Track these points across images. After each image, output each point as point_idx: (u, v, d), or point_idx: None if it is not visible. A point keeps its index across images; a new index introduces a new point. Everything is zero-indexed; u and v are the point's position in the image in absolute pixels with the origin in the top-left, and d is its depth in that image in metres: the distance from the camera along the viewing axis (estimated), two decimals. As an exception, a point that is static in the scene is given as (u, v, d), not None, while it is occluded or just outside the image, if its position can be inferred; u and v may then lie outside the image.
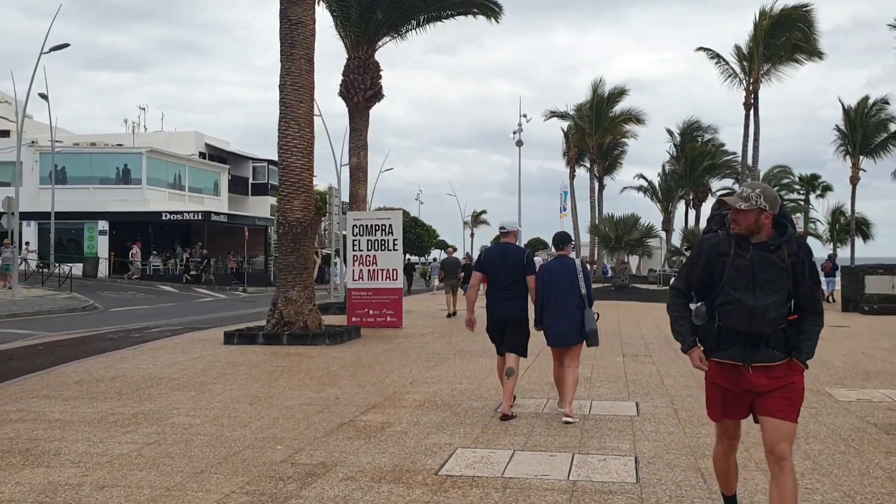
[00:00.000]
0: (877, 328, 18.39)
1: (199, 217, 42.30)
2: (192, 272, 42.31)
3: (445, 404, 8.31)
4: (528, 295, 7.78)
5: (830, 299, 29.08)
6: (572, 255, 8.04)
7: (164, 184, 46.01)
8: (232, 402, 8.51)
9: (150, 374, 10.59)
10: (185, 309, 27.67)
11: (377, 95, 23.06)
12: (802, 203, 64.64)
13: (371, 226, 17.82)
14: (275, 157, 52.67)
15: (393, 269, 17.74)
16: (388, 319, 17.67)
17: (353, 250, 17.92)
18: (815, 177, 66.12)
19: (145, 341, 15.22)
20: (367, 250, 17.82)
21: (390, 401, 8.54)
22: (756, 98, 32.87)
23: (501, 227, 8.16)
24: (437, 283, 26.99)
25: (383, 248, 17.74)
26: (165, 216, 42.89)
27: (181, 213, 43.03)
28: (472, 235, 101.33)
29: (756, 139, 32.84)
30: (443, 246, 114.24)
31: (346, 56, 23.31)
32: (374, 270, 17.77)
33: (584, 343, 7.62)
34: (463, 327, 17.80)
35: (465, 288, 21.95)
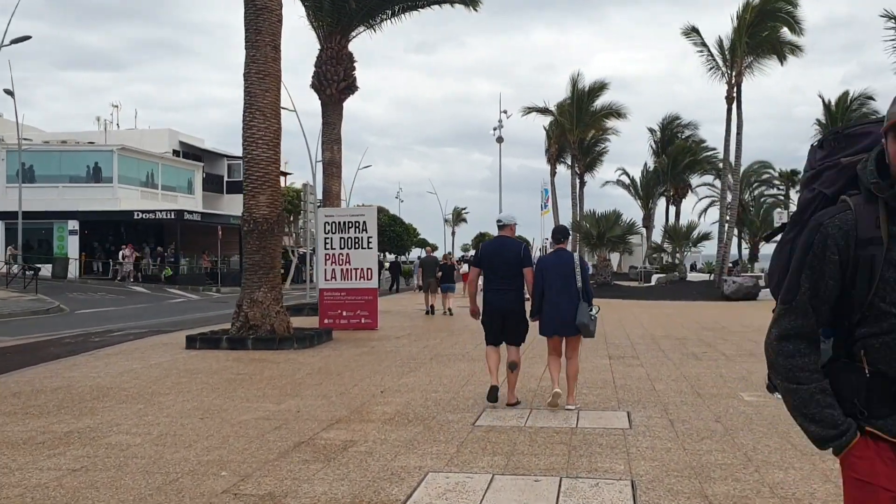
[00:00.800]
0: None
1: (173, 216, 41.17)
2: (148, 273, 41.14)
3: (418, 417, 7.51)
4: (525, 287, 7.95)
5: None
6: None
7: (136, 182, 44.81)
8: (181, 416, 7.66)
9: (98, 383, 9.71)
10: (154, 310, 26.69)
11: (351, 87, 22.21)
12: (782, 198, 64.53)
13: (344, 223, 16.99)
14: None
15: (367, 269, 16.91)
16: (363, 321, 16.85)
17: (326, 249, 17.07)
18: (794, 172, 65.89)
19: (104, 346, 14.31)
20: (340, 249, 16.97)
21: (357, 414, 7.73)
22: (739, 91, 32.32)
23: (499, 221, 8.24)
24: (417, 281, 26.47)
25: (357, 246, 16.91)
26: (137, 215, 41.70)
27: (153, 212, 41.87)
28: (453, 234, 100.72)
29: (739, 132, 32.28)
30: (423, 244, 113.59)
31: (319, 47, 22.44)
32: (347, 270, 16.94)
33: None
34: (440, 329, 17.09)
35: (442, 288, 22.13)
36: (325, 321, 16.90)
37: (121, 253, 40.99)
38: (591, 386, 9.23)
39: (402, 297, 32.74)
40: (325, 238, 17.05)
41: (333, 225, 17.01)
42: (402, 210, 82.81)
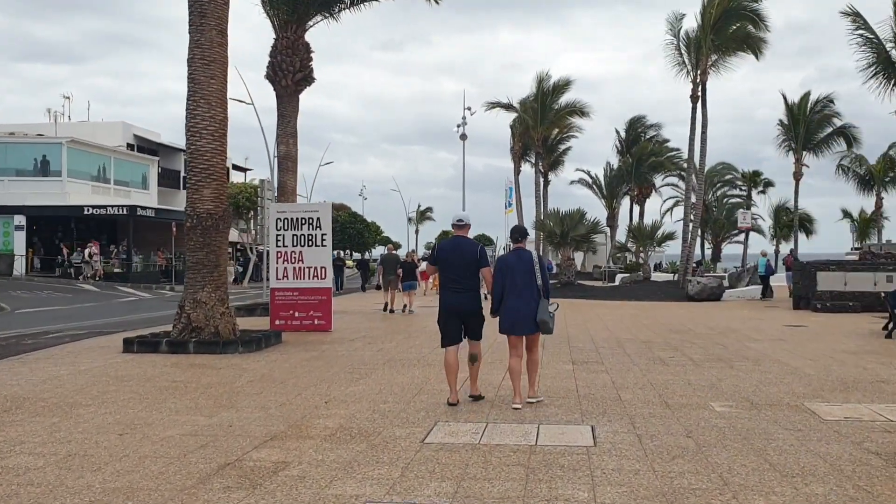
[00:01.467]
0: (835, 328, 17.46)
1: (125, 211, 39.84)
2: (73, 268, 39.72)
3: (362, 432, 6.79)
4: (481, 286, 8.17)
5: (771, 295, 28.43)
6: (529, 248, 8.37)
7: (86, 176, 43.34)
8: (98, 431, 6.86)
9: (14, 392, 8.84)
10: (102, 310, 25.59)
11: (307, 79, 21.36)
12: (745, 199, 64.82)
13: (297, 219, 16.17)
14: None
15: (321, 267, 16.11)
16: (316, 322, 16.06)
17: (277, 246, 16.25)
18: (756, 173, 66.37)
19: (36, 349, 13.35)
20: (293, 246, 16.16)
21: (295, 429, 6.99)
22: (704, 90, 32.02)
23: (459, 220, 8.20)
24: (378, 280, 26.36)
25: (310, 243, 16.11)
26: (88, 210, 40.28)
27: (105, 207, 40.48)
28: (416, 232, 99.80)
29: (704, 131, 31.98)
30: (386, 242, 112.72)
31: (274, 37, 21.55)
32: (300, 268, 16.13)
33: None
34: (397, 330, 16.37)
35: (404, 286, 21.92)
36: (277, 322, 16.08)
37: (87, 251, 39.46)
38: (552, 395, 8.59)
39: (360, 297, 31.92)
40: (277, 235, 16.23)
41: (286, 221, 16.19)
42: (365, 208, 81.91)
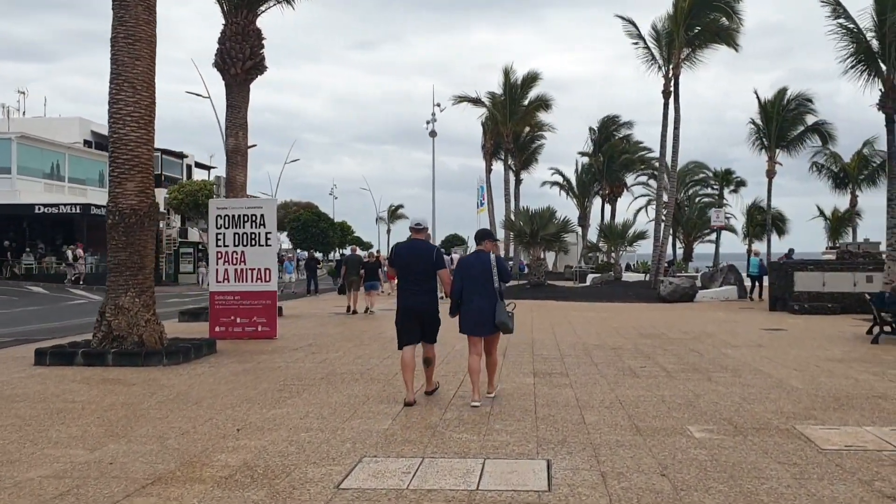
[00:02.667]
0: (816, 331, 16.48)
1: (78, 210, 38.12)
2: (50, 272, 38.14)
3: (268, 473, 5.56)
4: (438, 288, 8.26)
5: (758, 297, 27.51)
6: (500, 250, 8.44)
7: (38, 174, 41.53)
8: (-57, 474, 5.56)
9: None
10: (44, 314, 24.05)
11: (258, 67, 20.03)
12: (717, 198, 64.29)
13: (238, 216, 14.86)
14: (169, 147, 48.12)
15: (265, 269, 14.81)
16: (260, 329, 14.75)
17: (217, 246, 14.92)
18: (729, 172, 65.73)
19: (-60, 361, 11.94)
20: (234, 246, 14.85)
21: (188, 468, 5.73)
22: (676, 85, 31.09)
23: (417, 224, 8.32)
24: (340, 280, 25.79)
25: (253, 242, 14.81)
26: (39, 209, 38.49)
27: (58, 205, 38.73)
28: (388, 232, 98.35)
29: (676, 127, 31.05)
30: (356, 243, 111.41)
31: (223, 22, 20.20)
32: (242, 270, 14.82)
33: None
34: (349, 337, 15.12)
35: (366, 286, 21.78)
36: (217, 329, 14.77)
37: (71, 252, 37.64)
38: (506, 417, 7.40)
39: (334, 299, 30.55)
40: (217, 233, 14.91)
41: (226, 219, 14.87)
42: (339, 207, 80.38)
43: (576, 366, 11.08)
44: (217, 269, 14.90)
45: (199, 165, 57.84)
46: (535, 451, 6.16)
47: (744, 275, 30.20)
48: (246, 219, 14.83)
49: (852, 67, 20.58)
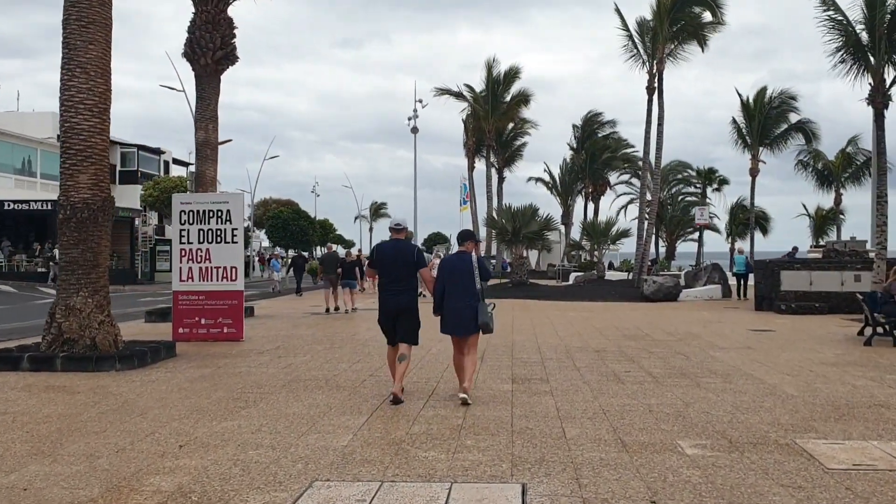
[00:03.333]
0: (804, 332, 15.95)
1: (50, 206, 37.07)
2: (21, 270, 37.12)
3: (202, 502, 4.87)
4: (418, 287, 8.36)
5: (743, 296, 27.02)
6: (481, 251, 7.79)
7: (9, 169, 40.49)
8: None
9: None
10: (10, 314, 23.20)
11: (229, 57, 19.24)
12: (700, 197, 63.99)
13: (203, 212, 14.11)
14: (147, 143, 46.61)
15: (231, 267, 14.08)
16: (226, 331, 14.02)
17: (181, 243, 14.17)
18: (712, 171, 65.55)
19: None
20: (199, 243, 14.10)
21: (113, 493, 5.03)
22: (661, 80, 30.57)
23: (397, 224, 8.37)
24: (319, 279, 25.66)
25: (219, 239, 14.07)
26: (8, 205, 37.48)
27: (28, 202, 37.71)
28: (371, 230, 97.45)
29: (660, 124, 30.50)
30: (339, 241, 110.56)
31: (193, 11, 19.40)
32: (207, 268, 14.08)
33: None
34: (321, 339, 14.42)
35: (343, 284, 21.70)
36: (180, 331, 14.02)
37: (56, 251, 36.56)
38: (479, 431, 6.74)
39: (316, 297, 29.80)
40: (181, 230, 14.15)
41: (191, 214, 14.12)
42: (322, 206, 79.51)
43: (557, 370, 10.44)
44: (181, 268, 14.15)
45: (177, 162, 56.83)
46: (509, 472, 5.50)
47: (728, 273, 29.75)
48: (211, 214, 14.09)
49: (842, 62, 20.07)
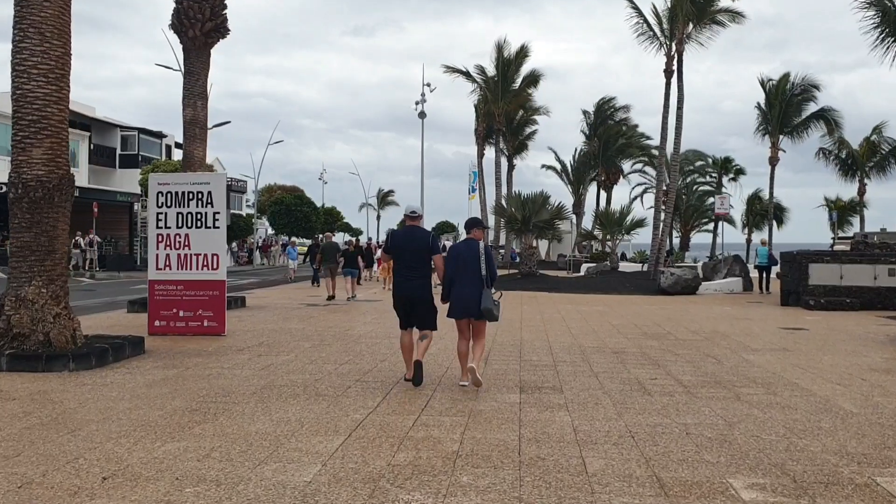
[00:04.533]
0: (840, 331, 14.58)
1: None
2: None
3: (99, 572, 3.58)
4: (432, 274, 8.29)
5: (765, 289, 25.62)
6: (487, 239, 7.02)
7: (3, 151, 39.20)
8: None
9: None
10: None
11: (219, 29, 17.94)
12: (715, 187, 62.42)
13: (182, 193, 12.83)
14: (148, 126, 44.72)
15: (212, 255, 12.81)
16: (206, 324, 12.76)
17: (158, 227, 12.91)
18: (728, 160, 63.98)
19: None
20: (177, 228, 12.84)
21: (-17, 558, 3.76)
22: (680, 62, 29.05)
23: (413, 212, 8.46)
24: (316, 267, 24.73)
25: (199, 224, 12.80)
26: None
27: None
28: (378, 218, 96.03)
29: (679, 107, 29.00)
30: (346, 229, 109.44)
31: (181, -22, 18.08)
32: (186, 255, 12.82)
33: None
34: (310, 335, 13.13)
35: (344, 272, 22.05)
36: (157, 324, 12.79)
37: (77, 239, 35.44)
38: (479, 461, 5.44)
39: (301, 288, 28.56)
40: (158, 213, 12.89)
41: (168, 196, 12.85)
42: (332, 194, 78.26)
43: (572, 376, 9.12)
44: (157, 255, 12.89)
45: (179, 146, 55.56)
46: (515, 527, 4.19)
47: (750, 266, 28.34)
48: (191, 196, 12.81)
49: (879, 39, 18.57)
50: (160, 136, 51.64)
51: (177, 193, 12.82)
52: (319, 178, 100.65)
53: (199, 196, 12.78)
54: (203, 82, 18.01)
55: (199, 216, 12.77)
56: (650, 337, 13.35)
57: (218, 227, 12.81)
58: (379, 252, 24.81)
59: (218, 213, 12.79)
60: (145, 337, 11.36)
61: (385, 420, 6.66)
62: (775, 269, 28.06)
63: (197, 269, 12.78)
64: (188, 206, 12.78)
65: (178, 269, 12.80)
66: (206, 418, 6.71)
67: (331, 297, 20.82)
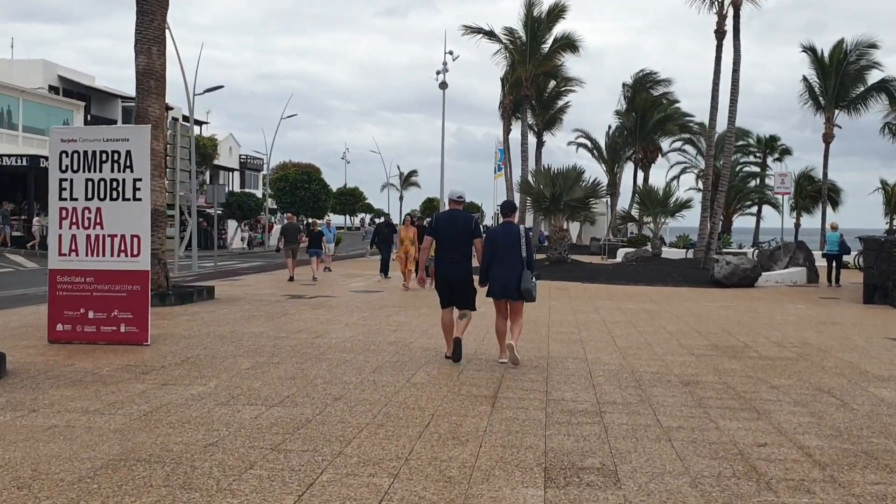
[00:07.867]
0: (976, 346, 10.96)
1: (25, 162, 33.06)
2: None
3: None
4: (472, 256, 8.60)
5: (835, 282, 21.90)
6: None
7: (-15, 119, 36.39)
8: None
9: None
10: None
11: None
12: (761, 167, 58.24)
13: (93, 153, 9.56)
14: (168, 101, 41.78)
15: (132, 237, 9.52)
16: (123, 329, 9.49)
17: (61, 199, 9.65)
18: (773, 138, 59.72)
19: None
20: (86, 199, 9.58)
21: None
22: (736, 17, 25.21)
23: (458, 196, 8.80)
24: (279, 245, 22.34)
25: (115, 195, 9.52)
26: (-20, 160, 33.43)
27: (5, 156, 33.66)
28: (400, 199, 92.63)
29: (736, 70, 25.19)
30: (368, 209, 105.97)
31: None
32: (98, 237, 9.56)
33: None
34: (259, 349, 9.81)
35: (310, 253, 22.53)
36: (59, 328, 9.57)
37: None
38: None
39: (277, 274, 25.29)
40: (62, 179, 9.63)
41: (74, 157, 9.58)
42: (358, 175, 75.07)
43: (630, 438, 5.68)
44: (60, 235, 9.63)
45: (186, 119, 52.61)
46: None
47: (816, 254, 24.58)
48: (104, 157, 9.53)
49: None
50: (168, 108, 48.65)
51: (85, 153, 9.54)
52: (342, 158, 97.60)
53: (115, 157, 9.49)
54: (160, 23, 14.69)
55: (114, 184, 9.49)
56: (724, 353, 9.85)
57: (140, 200, 9.51)
58: (399, 231, 22.35)
59: (139, 179, 9.49)
60: (4, 353, 8.09)
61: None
62: (846, 259, 24.33)
63: (112, 255, 9.51)
64: (100, 171, 9.50)
65: (87, 255, 9.54)
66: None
67: (291, 279, 20.70)
